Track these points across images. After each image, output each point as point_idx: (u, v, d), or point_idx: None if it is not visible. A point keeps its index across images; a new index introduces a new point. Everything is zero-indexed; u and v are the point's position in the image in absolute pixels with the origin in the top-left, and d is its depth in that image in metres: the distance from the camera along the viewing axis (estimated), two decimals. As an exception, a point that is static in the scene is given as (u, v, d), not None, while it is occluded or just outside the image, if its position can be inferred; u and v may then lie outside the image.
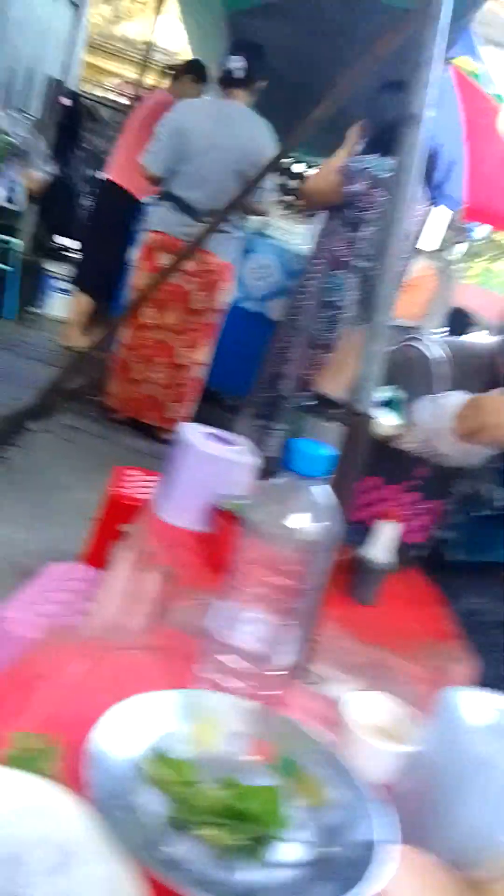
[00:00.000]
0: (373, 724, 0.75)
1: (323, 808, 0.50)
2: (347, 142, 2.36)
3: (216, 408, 3.82)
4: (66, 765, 0.50)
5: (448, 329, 4.81)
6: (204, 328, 3.47)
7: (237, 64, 3.17)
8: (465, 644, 1.16)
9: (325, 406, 1.35)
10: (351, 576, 1.13)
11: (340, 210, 2.36)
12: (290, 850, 0.47)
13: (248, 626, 0.65)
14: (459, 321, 4.77)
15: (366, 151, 2.32)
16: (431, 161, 4.27)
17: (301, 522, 0.63)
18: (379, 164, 2.28)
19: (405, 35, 1.53)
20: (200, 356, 3.55)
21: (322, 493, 0.64)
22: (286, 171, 5.42)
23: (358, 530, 1.27)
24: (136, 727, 0.52)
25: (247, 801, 0.46)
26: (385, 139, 2.33)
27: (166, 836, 0.45)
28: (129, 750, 0.50)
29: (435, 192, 4.40)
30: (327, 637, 0.99)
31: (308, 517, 0.63)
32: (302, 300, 2.42)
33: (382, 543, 1.11)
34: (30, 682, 0.66)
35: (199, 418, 2.75)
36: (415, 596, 1.24)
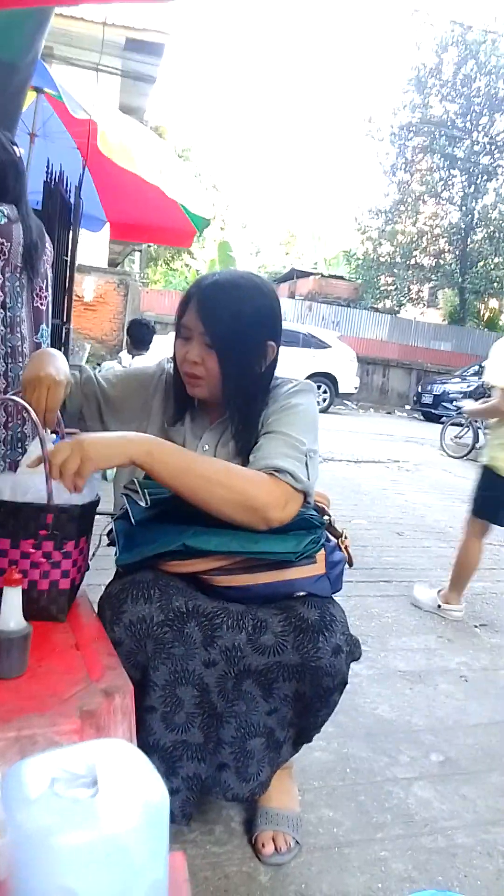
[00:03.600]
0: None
1: None
2: None
3: None
4: None
5: (129, 341, 4.89)
6: None
7: None
8: (127, 668, 1.19)
9: None
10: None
11: None
12: None
13: None
14: (138, 333, 4.88)
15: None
16: (58, 189, 4.30)
17: None
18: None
19: None
20: None
21: None
22: None
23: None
24: None
25: None
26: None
27: None
28: None
29: (72, 217, 4.44)
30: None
31: None
32: None
33: (8, 611, 1.08)
34: None
35: None
36: (70, 640, 1.23)
